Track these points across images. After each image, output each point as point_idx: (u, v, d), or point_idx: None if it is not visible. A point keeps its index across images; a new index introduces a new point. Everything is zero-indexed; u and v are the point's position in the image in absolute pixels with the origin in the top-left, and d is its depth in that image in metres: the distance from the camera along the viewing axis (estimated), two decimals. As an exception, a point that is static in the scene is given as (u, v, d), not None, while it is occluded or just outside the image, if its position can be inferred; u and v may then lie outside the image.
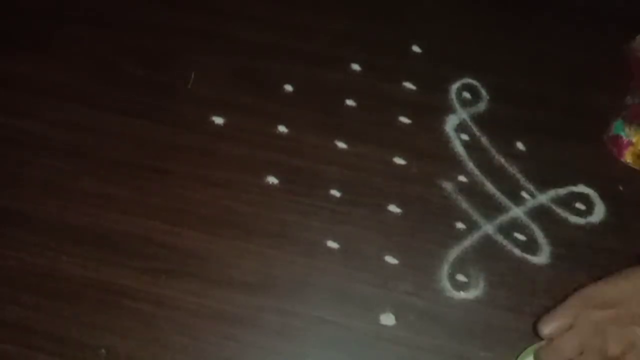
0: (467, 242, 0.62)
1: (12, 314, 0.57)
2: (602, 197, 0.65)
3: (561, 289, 0.55)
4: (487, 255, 0.61)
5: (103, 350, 0.55)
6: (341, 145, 0.67)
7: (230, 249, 0.60)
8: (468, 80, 0.71)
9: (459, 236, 0.62)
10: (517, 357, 0.55)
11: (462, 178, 0.65)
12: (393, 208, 0.63)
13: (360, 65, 0.72)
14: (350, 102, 0.70)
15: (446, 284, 0.60)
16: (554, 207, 0.64)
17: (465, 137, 0.68)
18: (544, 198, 0.65)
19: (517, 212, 0.64)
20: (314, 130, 0.67)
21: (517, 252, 0.62)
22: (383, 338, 0.57)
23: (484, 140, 0.68)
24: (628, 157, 0.66)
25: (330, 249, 0.61)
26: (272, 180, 0.64)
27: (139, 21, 0.74)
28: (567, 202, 0.64)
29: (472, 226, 0.63)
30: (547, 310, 0.52)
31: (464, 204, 0.64)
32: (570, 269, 0.60)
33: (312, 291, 0.59)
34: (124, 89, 0.69)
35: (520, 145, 0.68)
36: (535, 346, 0.53)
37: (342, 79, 0.71)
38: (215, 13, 0.75)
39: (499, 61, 0.73)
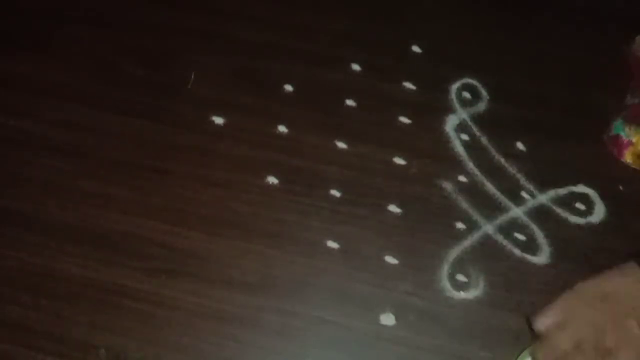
0: (467, 242, 0.62)
1: (12, 314, 0.57)
2: (602, 197, 0.65)
3: (561, 289, 0.55)
4: (487, 255, 0.61)
5: (103, 350, 0.55)
6: (341, 145, 0.67)
7: (230, 249, 0.60)
8: (468, 80, 0.72)
9: (459, 236, 0.62)
10: (517, 357, 0.55)
11: (462, 178, 0.65)
12: (393, 208, 0.63)
13: (360, 65, 0.72)
14: (350, 102, 0.70)
15: (446, 284, 0.60)
16: (554, 207, 0.64)
17: (465, 137, 0.68)
18: (544, 198, 0.65)
19: (517, 212, 0.64)
20: (314, 130, 0.67)
21: (517, 252, 0.62)
22: (383, 338, 0.57)
23: (484, 140, 0.68)
24: (628, 157, 0.66)
25: (330, 249, 0.61)
26: (272, 180, 0.64)
27: (139, 21, 0.74)
28: (567, 202, 0.64)
29: (472, 226, 0.63)
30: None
31: (464, 204, 0.64)
32: (570, 269, 0.60)
33: (312, 291, 0.59)
34: (124, 89, 0.69)
35: (520, 145, 0.68)
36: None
37: (342, 79, 0.71)
38: (215, 13, 0.75)
39: (499, 61, 0.73)
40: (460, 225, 0.63)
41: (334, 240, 0.61)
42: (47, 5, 0.75)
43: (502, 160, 0.67)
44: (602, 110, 0.69)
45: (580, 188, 0.65)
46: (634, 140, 0.66)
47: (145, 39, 0.73)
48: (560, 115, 0.70)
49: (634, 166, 0.66)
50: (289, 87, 0.70)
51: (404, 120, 0.69)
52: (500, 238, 0.62)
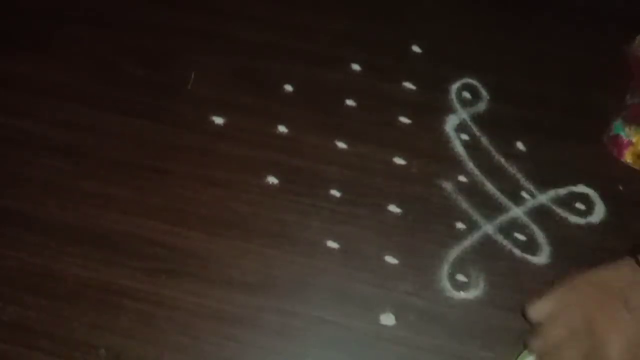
0: (467, 242, 0.62)
1: (12, 314, 0.57)
2: (602, 197, 0.65)
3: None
4: (487, 255, 0.61)
5: (103, 350, 0.55)
6: (341, 145, 0.67)
7: (230, 249, 0.60)
8: (468, 80, 0.71)
9: (459, 236, 0.62)
10: (517, 357, 0.55)
11: (462, 178, 0.65)
12: (393, 208, 0.63)
13: (360, 65, 0.72)
14: (350, 102, 0.70)
15: (446, 284, 0.60)
16: (554, 207, 0.64)
17: (465, 137, 0.68)
18: (544, 198, 0.65)
19: (517, 212, 0.64)
20: (314, 130, 0.67)
21: (517, 252, 0.61)
22: (383, 338, 0.57)
23: (484, 140, 0.68)
24: (628, 157, 0.66)
25: (330, 249, 0.61)
26: (272, 180, 0.64)
27: (139, 21, 0.74)
28: (567, 202, 0.64)
29: (472, 226, 0.63)
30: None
31: (464, 204, 0.64)
32: (570, 269, 0.60)
33: (312, 291, 0.59)
34: (124, 89, 0.69)
35: (520, 145, 0.68)
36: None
37: (342, 79, 0.71)
38: (215, 13, 0.75)
39: (499, 61, 0.73)
40: (460, 225, 0.63)
41: (334, 240, 0.61)
42: (47, 5, 0.75)
43: (502, 160, 0.67)
44: (602, 110, 0.69)
45: (580, 188, 0.65)
46: (634, 140, 0.66)
47: (145, 39, 0.73)
48: (560, 115, 0.70)
49: (634, 166, 0.66)
50: (289, 87, 0.70)
51: (404, 120, 0.69)
52: (500, 238, 0.62)
